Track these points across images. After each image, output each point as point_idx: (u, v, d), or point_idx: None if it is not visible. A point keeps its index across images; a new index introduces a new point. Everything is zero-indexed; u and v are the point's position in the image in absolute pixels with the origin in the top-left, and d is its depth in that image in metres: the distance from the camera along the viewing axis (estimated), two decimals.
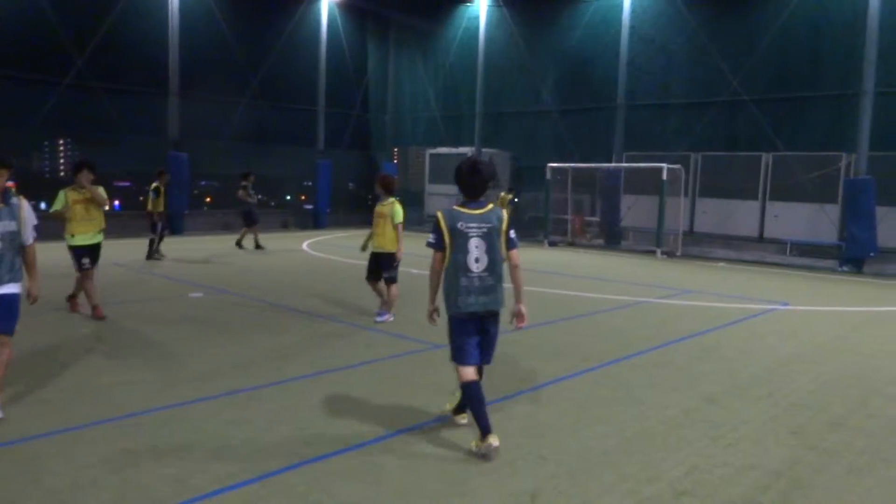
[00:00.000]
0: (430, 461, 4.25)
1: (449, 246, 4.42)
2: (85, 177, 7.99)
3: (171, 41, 19.87)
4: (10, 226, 4.84)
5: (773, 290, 11.97)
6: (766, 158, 17.33)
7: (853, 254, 15.01)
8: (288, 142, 23.09)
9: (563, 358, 6.87)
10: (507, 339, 7.63)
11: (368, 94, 25.69)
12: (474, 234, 4.40)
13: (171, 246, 15.03)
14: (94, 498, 3.67)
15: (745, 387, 6.06)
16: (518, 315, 4.57)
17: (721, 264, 15.87)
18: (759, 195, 17.48)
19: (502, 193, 18.44)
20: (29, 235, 4.99)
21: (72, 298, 8.47)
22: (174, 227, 19.35)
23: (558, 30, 21.32)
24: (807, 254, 16.71)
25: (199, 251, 15.19)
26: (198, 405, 5.16)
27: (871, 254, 14.85)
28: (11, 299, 4.86)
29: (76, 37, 17.91)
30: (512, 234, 4.52)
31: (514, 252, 4.54)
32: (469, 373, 4.43)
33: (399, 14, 24.95)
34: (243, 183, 15.89)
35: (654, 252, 17.23)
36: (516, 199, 18.15)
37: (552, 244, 19.10)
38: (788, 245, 16.94)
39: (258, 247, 15.88)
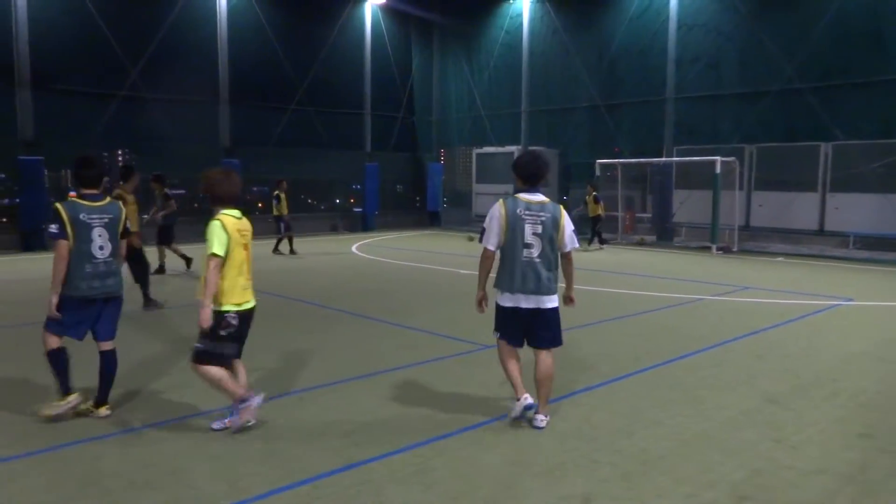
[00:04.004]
0: (480, 464, 4.18)
1: (72, 236, 4.70)
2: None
3: (221, 51, 20.36)
4: None
5: (836, 284, 11.48)
6: (825, 148, 16.66)
7: None
8: (336, 146, 23.36)
9: (615, 358, 6.71)
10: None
11: (414, 96, 25.80)
12: (97, 224, 4.78)
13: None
14: (147, 498, 3.74)
15: (809, 386, 5.80)
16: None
17: (780, 259, 15.33)
18: (819, 187, 16.82)
19: (592, 192, 17.50)
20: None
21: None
22: None
23: (603, 23, 20.98)
24: (871, 247, 15.98)
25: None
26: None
27: None
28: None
29: (130, 50, 18.51)
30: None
31: (125, 242, 5.15)
32: (58, 340, 4.83)
33: (442, 15, 24.99)
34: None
35: (708, 248, 16.76)
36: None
37: (602, 242, 18.76)
38: (851, 238, 16.25)
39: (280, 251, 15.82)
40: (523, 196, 4.73)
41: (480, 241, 4.83)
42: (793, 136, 17.39)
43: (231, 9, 20.46)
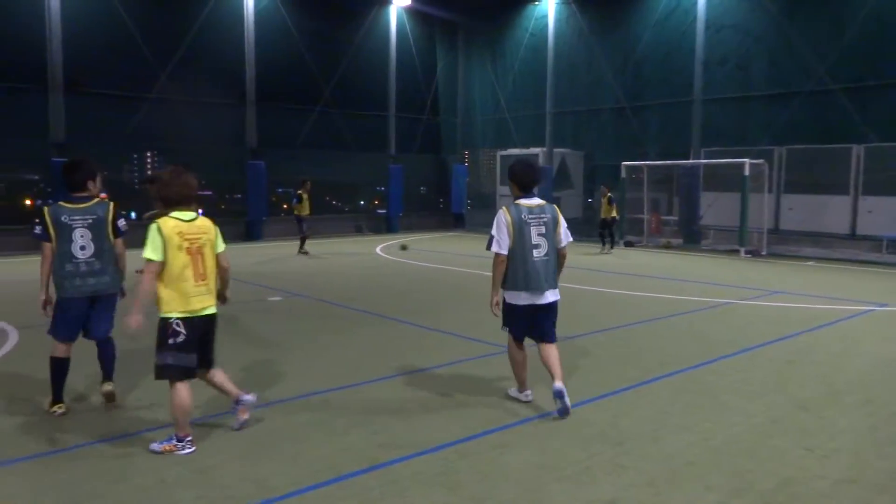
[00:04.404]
0: (505, 467, 4.17)
1: (54, 238, 4.92)
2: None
3: (248, 54, 20.58)
4: None
5: (868, 290, 11.24)
6: (858, 150, 16.33)
7: None
8: (360, 147, 23.47)
9: (641, 362, 6.64)
10: (581, 343, 7.49)
11: (438, 98, 25.83)
12: (79, 225, 4.96)
13: (250, 251, 15.51)
14: (178, 496, 3.79)
15: (841, 394, 5.69)
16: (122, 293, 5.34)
17: (811, 263, 15.07)
18: (851, 189, 16.48)
19: (608, 193, 17.00)
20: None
21: None
22: (254, 233, 20.05)
23: (629, 24, 20.82)
24: None
25: (277, 257, 15.62)
26: (274, 407, 5.26)
27: None
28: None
29: (159, 53, 18.76)
30: (122, 223, 5.22)
31: (120, 240, 5.19)
32: (64, 350, 5.04)
33: (467, 17, 24.98)
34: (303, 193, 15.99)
35: (736, 251, 16.53)
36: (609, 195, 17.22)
37: (628, 244, 18.63)
38: (885, 242, 15.90)
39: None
40: (523, 202, 5.14)
41: (489, 248, 5.11)
42: (824, 137, 17.05)
43: (258, 12, 20.67)
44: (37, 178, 18.47)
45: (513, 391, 5.46)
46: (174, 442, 4.35)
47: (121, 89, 18.39)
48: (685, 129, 19.59)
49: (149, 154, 20.74)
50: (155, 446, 4.36)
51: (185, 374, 4.41)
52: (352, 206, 25.04)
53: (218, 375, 4.75)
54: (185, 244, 4.31)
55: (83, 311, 5.04)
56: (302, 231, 15.95)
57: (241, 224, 20.27)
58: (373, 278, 12.80)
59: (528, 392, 5.38)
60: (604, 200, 16.92)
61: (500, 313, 5.23)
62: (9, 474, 4.07)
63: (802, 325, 8.32)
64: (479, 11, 24.38)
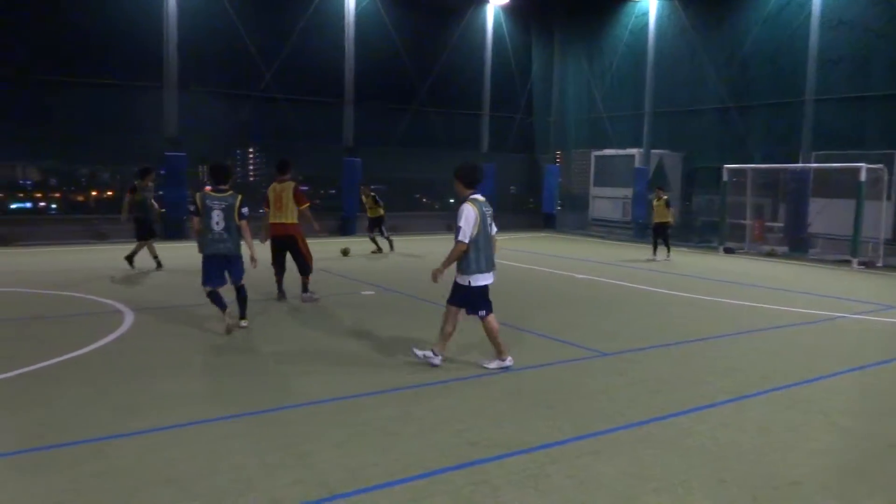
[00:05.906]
0: (597, 474, 4.07)
1: (202, 214, 7.15)
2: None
3: (347, 53, 21.12)
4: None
5: None
6: None
7: None
8: (453, 146, 23.60)
9: (741, 374, 6.34)
10: (676, 351, 7.22)
11: (533, 97, 25.61)
12: (216, 208, 7.12)
13: (342, 246, 15.91)
14: (277, 478, 3.93)
15: None
16: (252, 259, 7.45)
17: None
18: None
19: (664, 195, 16.06)
20: None
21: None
22: (348, 228, 20.55)
23: (736, 20, 19.87)
24: None
25: (366, 252, 15.96)
26: (367, 398, 5.38)
27: None
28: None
29: (265, 54, 19.58)
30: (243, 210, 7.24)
31: (244, 222, 7.27)
32: (210, 289, 7.33)
33: (564, 16, 24.64)
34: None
35: (848, 262, 15.48)
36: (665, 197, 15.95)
37: (728, 251, 17.84)
38: None
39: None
40: (478, 197, 6.19)
41: (457, 237, 5.97)
42: None
43: (358, 13, 21.19)
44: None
45: (426, 353, 6.24)
46: None
47: (229, 88, 19.32)
48: (794, 131, 18.51)
49: (251, 150, 21.68)
50: None
51: None
52: (442, 204, 25.24)
53: None
54: None
55: (220, 266, 7.27)
56: (384, 232, 16.02)
57: (335, 219, 20.84)
58: None
59: (441, 357, 6.23)
60: (659, 203, 15.73)
61: (440, 282, 6.15)
62: (121, 446, 4.35)
63: None
64: (578, 9, 23.99)
